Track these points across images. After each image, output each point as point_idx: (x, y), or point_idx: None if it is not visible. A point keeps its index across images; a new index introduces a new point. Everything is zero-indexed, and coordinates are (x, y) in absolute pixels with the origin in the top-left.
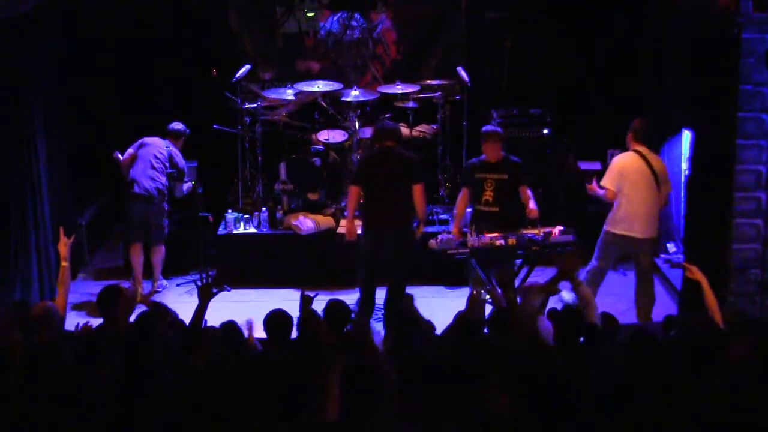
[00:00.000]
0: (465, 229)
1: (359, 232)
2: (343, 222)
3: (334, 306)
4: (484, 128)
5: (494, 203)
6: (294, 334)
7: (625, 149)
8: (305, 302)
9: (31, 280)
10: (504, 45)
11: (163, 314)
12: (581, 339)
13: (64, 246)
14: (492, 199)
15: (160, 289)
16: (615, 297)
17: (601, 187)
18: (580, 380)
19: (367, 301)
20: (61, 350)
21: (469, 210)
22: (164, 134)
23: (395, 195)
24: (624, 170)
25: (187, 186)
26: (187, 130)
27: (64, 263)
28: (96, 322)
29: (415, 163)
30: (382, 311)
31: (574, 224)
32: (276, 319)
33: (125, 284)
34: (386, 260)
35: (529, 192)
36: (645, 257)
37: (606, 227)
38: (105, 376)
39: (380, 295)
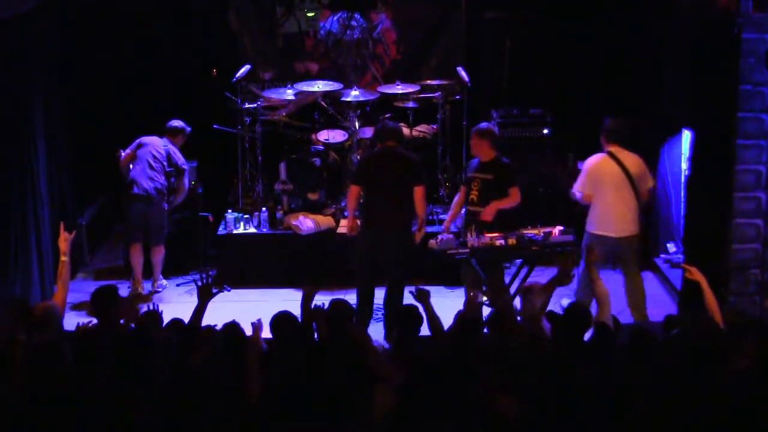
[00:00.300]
0: (453, 228)
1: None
2: (343, 222)
3: (337, 306)
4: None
5: (478, 203)
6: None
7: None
8: (307, 298)
9: (31, 280)
10: (504, 45)
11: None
12: (586, 338)
13: (64, 241)
14: (476, 198)
15: (160, 289)
16: (615, 297)
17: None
18: (580, 380)
19: (365, 302)
20: (62, 350)
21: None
22: (163, 133)
23: (395, 195)
24: (594, 173)
25: (187, 183)
26: (187, 128)
27: (63, 258)
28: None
29: (416, 163)
30: (382, 311)
31: (574, 224)
32: (282, 321)
33: (125, 285)
34: (386, 260)
35: (516, 196)
36: (627, 255)
37: (586, 229)
38: (104, 377)
39: (379, 294)
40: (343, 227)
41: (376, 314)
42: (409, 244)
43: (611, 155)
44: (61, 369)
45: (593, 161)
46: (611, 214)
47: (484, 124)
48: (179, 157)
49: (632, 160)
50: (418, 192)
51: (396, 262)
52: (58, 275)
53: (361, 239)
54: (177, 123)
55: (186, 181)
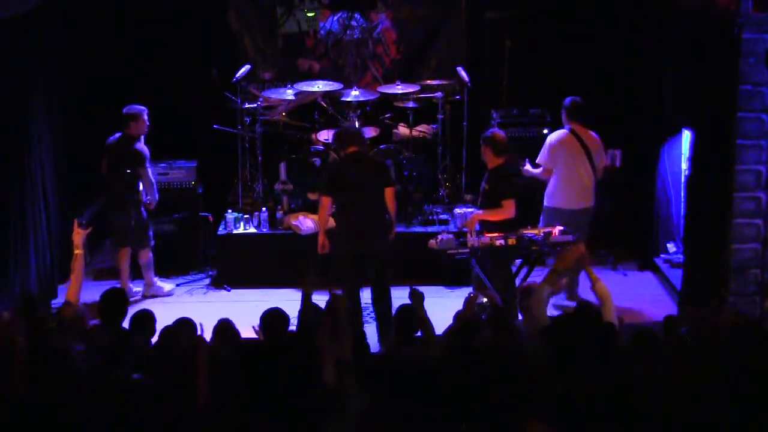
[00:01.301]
0: (454, 228)
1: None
2: None
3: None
4: None
5: (479, 208)
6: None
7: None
8: (307, 293)
9: (29, 280)
10: (504, 45)
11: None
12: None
13: (77, 235)
14: (477, 203)
15: (159, 293)
16: (615, 297)
17: (536, 166)
18: (585, 381)
19: (354, 303)
20: (71, 355)
21: (461, 210)
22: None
23: (371, 199)
24: (557, 148)
25: (151, 175)
26: (141, 110)
27: (77, 251)
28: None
29: (385, 166)
30: (371, 313)
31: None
32: (273, 317)
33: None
34: (373, 263)
35: (507, 209)
36: (581, 226)
37: (545, 203)
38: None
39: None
40: None
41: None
42: (389, 244)
43: (573, 132)
44: (70, 374)
45: (556, 137)
46: (571, 187)
47: (488, 131)
48: (136, 146)
49: (591, 138)
50: (390, 193)
51: (384, 263)
52: (72, 269)
53: (341, 246)
54: (125, 109)
55: (149, 172)
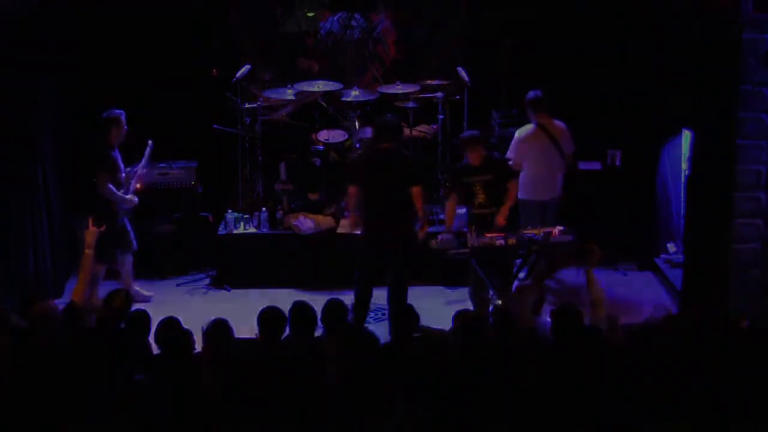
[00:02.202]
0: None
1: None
2: (343, 222)
3: (332, 305)
4: (461, 136)
5: (488, 204)
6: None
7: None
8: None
9: (28, 280)
10: (504, 45)
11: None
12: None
13: (90, 234)
14: (485, 200)
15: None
16: (615, 297)
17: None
18: (578, 382)
19: (361, 303)
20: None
21: (462, 210)
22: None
23: (394, 197)
24: (525, 142)
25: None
26: (120, 113)
27: (87, 251)
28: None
29: (412, 164)
30: (384, 311)
31: (574, 224)
32: (269, 316)
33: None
34: (391, 260)
35: (515, 188)
36: (551, 214)
37: (520, 196)
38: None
39: (378, 294)
40: (344, 227)
41: (376, 314)
42: (412, 244)
43: (540, 126)
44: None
45: (524, 133)
46: (542, 180)
47: (466, 134)
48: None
49: (558, 128)
50: (417, 193)
51: (402, 262)
52: (81, 268)
53: (364, 241)
54: (105, 114)
55: (99, 176)
